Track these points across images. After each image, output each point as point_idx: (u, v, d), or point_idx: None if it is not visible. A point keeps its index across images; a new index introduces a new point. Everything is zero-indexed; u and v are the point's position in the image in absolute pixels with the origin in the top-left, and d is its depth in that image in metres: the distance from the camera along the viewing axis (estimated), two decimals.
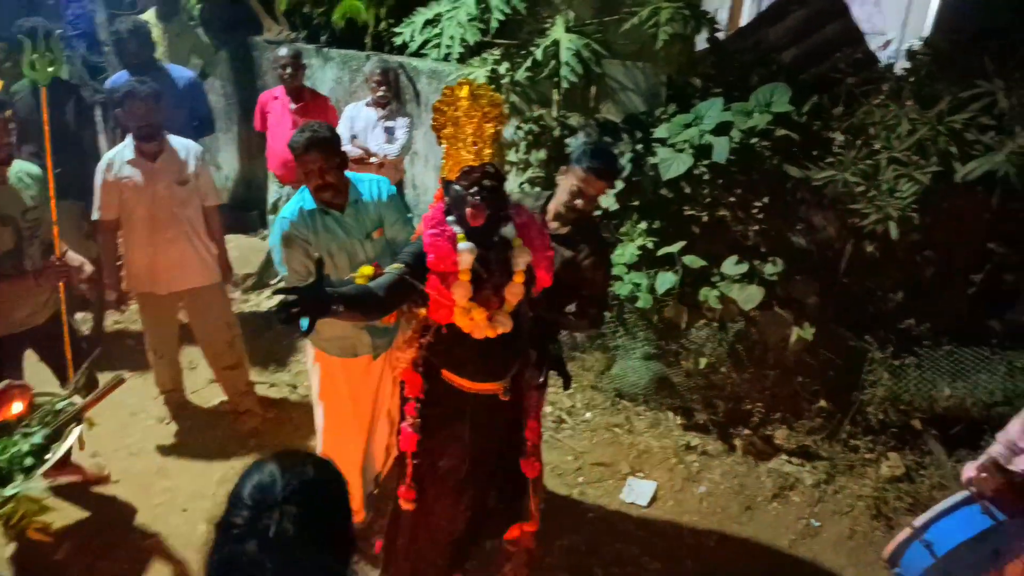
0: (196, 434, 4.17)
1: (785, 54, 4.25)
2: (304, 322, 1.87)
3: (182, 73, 4.86)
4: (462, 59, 4.22)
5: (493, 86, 4.19)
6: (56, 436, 2.31)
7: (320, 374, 3.13)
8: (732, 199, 4.08)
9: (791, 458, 3.94)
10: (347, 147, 3.78)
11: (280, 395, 4.51)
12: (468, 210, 2.21)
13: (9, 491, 2.10)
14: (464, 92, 2.22)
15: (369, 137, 4.73)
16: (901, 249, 3.85)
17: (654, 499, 3.74)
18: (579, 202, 2.64)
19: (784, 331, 4.03)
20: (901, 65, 4.27)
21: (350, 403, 3.14)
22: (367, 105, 4.79)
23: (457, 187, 2.24)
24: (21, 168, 3.13)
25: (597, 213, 3.81)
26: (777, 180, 3.97)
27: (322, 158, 2.72)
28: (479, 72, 4.12)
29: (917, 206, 3.37)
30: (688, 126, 3.85)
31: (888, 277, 4.07)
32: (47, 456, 2.25)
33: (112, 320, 5.07)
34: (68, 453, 2.78)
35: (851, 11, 4.67)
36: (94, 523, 3.48)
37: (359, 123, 4.77)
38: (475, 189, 2.21)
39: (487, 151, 2.21)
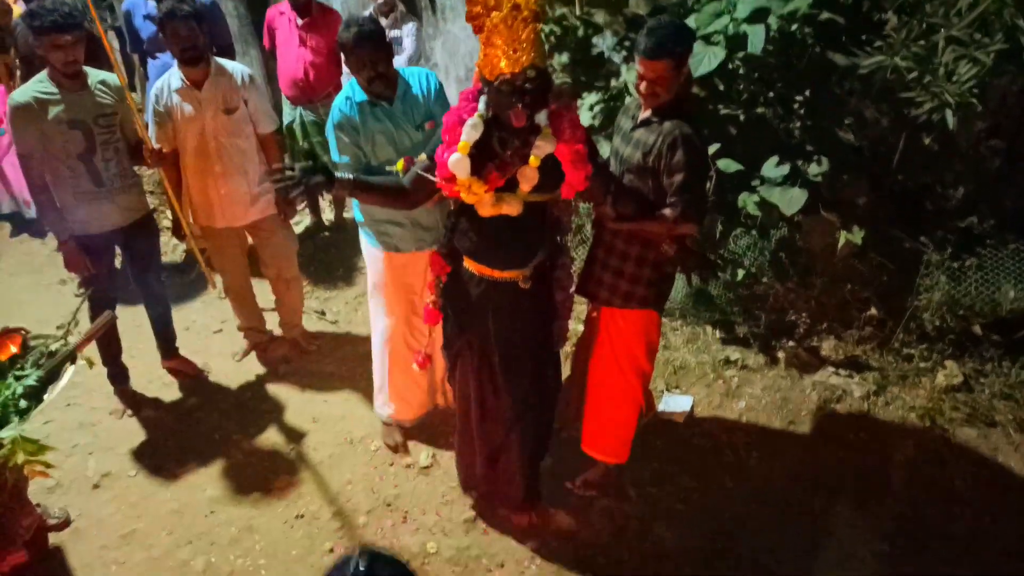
0: (227, 363, 4.19)
1: None
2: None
3: None
4: None
5: None
6: (51, 377, 2.27)
7: (372, 260, 3.32)
8: (771, 94, 3.74)
9: (838, 370, 3.73)
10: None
11: (308, 322, 4.46)
12: (509, 114, 2.17)
13: (5, 433, 2.08)
14: None
15: None
16: (963, 140, 3.48)
17: (691, 415, 3.59)
18: (642, 87, 2.48)
19: (831, 236, 3.75)
20: None
21: (392, 290, 3.27)
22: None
23: (498, 89, 2.17)
24: (99, 77, 3.28)
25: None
26: (821, 71, 3.61)
27: (372, 51, 2.77)
28: None
29: (979, 91, 3.00)
30: (719, 15, 3.49)
31: (948, 171, 3.72)
32: (44, 396, 2.22)
33: (182, 250, 5.20)
34: None
35: None
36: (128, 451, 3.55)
37: None
38: (515, 97, 2.14)
39: (524, 57, 2.11)
